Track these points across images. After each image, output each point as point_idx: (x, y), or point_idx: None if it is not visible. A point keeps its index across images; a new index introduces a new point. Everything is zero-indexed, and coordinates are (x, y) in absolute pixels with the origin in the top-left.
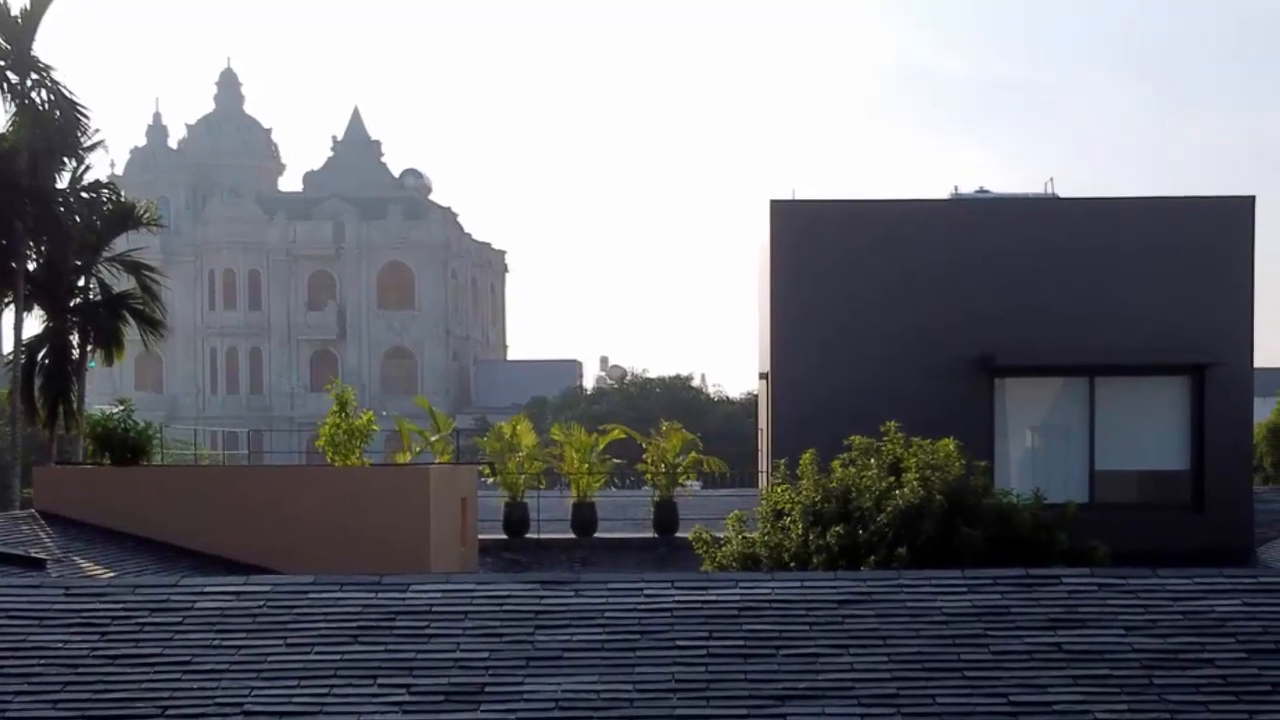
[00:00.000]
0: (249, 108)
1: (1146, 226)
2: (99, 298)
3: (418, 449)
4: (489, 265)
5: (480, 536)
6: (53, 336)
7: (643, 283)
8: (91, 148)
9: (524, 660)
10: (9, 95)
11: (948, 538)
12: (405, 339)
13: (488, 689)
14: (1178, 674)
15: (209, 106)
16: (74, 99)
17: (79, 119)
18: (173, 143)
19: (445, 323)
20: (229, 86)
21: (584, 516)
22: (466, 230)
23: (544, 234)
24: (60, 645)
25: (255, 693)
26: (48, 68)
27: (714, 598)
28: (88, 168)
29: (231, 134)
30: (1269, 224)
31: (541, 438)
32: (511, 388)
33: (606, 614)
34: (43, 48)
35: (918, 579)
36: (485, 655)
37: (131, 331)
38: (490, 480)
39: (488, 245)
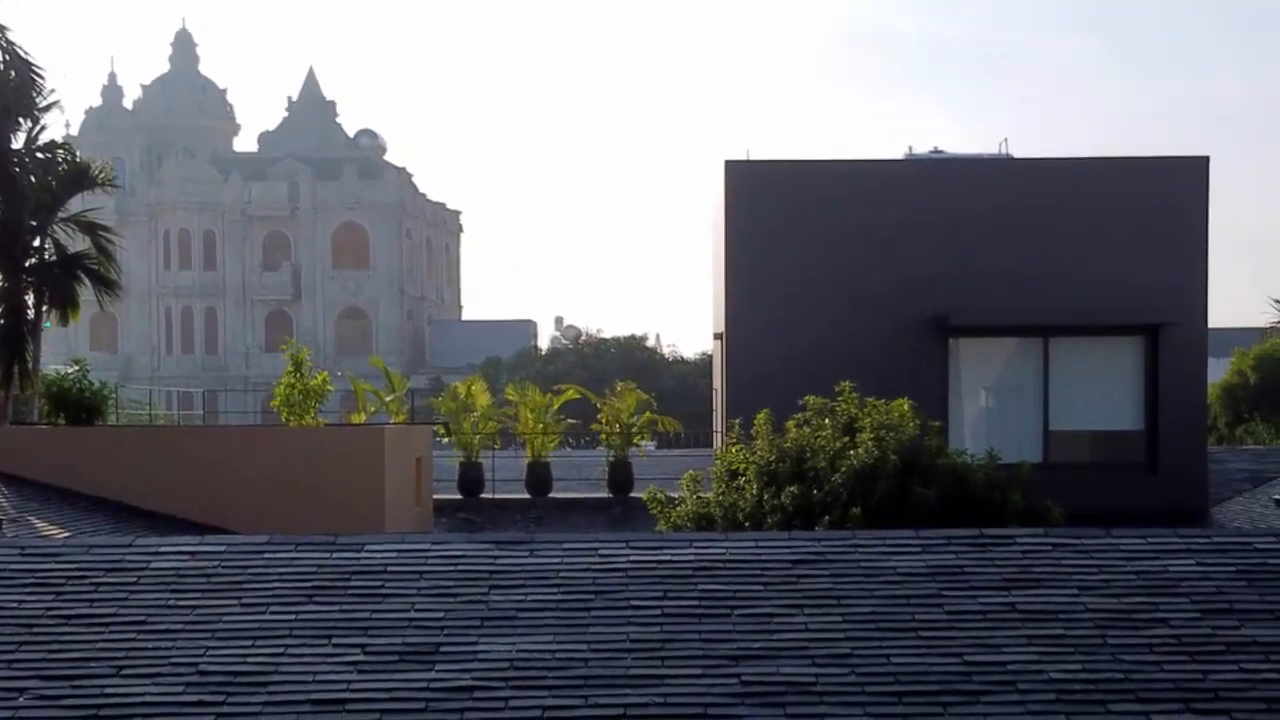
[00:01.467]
0: (204, 68)
1: (1101, 187)
2: (54, 258)
3: (373, 409)
4: (443, 225)
5: (435, 496)
6: (8, 297)
7: (597, 243)
8: (47, 108)
9: (479, 620)
10: None
11: (902, 498)
12: (360, 299)
13: (442, 649)
14: (1131, 633)
15: (164, 67)
16: (29, 59)
17: (34, 79)
18: (128, 103)
19: (400, 283)
20: (184, 47)
21: (539, 476)
22: (421, 190)
23: (499, 194)
24: (15, 605)
25: (210, 652)
26: (2, 28)
27: (669, 558)
28: (43, 128)
29: (186, 94)
30: (1223, 184)
31: (496, 398)
32: (466, 348)
33: (561, 574)
34: None
35: (872, 539)
36: (440, 615)
37: (87, 292)
38: (445, 440)
39: (442, 205)
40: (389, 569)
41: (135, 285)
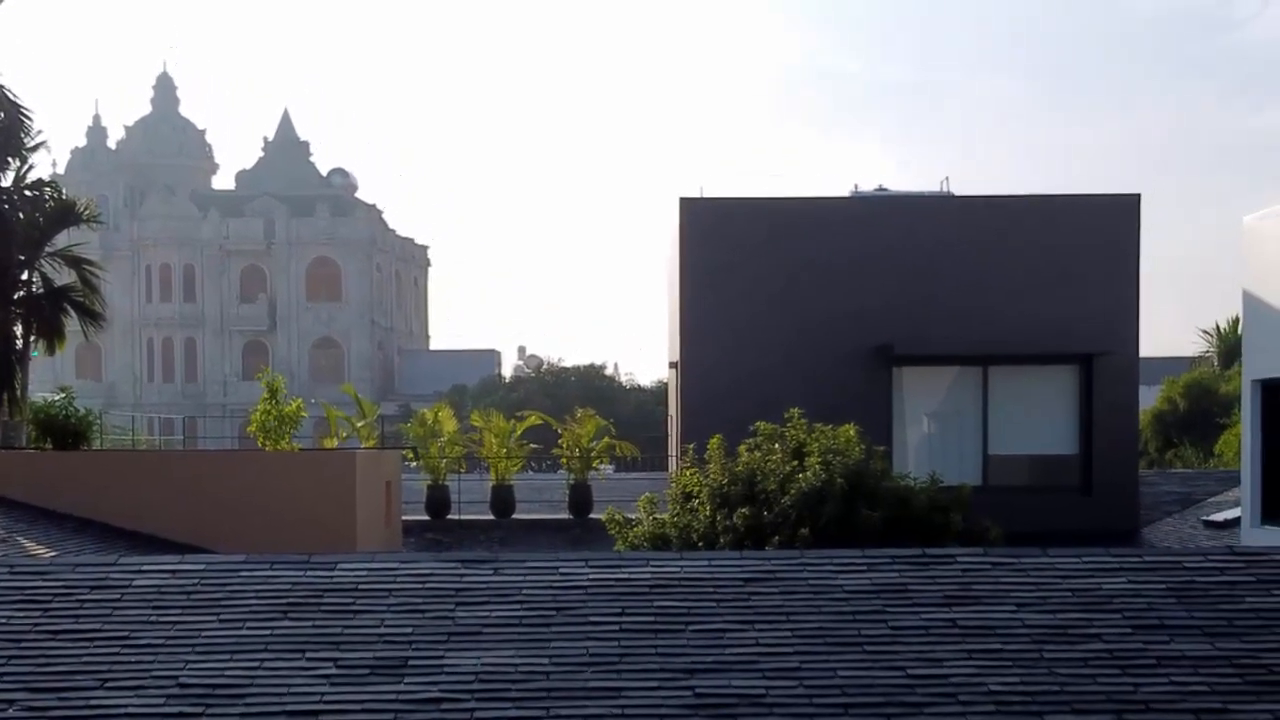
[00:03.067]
0: (184, 110)
1: (1037, 223)
2: (41, 291)
3: (344, 434)
4: (412, 260)
5: (404, 517)
6: None
7: (559, 276)
8: (34, 148)
9: (445, 635)
10: None
11: (848, 519)
12: (333, 330)
13: (411, 662)
14: (1067, 648)
15: (146, 109)
16: (17, 101)
17: (22, 120)
18: (111, 143)
19: (370, 314)
20: (165, 90)
21: (503, 498)
22: (391, 227)
23: (465, 230)
24: (4, 621)
25: (190, 666)
26: None
27: (626, 576)
28: (31, 167)
29: (167, 135)
30: (1153, 219)
31: (462, 424)
32: (433, 376)
33: (524, 591)
34: None
35: (820, 558)
36: (409, 630)
37: (72, 323)
38: (413, 464)
39: (411, 241)
40: (360, 587)
41: (119, 317)
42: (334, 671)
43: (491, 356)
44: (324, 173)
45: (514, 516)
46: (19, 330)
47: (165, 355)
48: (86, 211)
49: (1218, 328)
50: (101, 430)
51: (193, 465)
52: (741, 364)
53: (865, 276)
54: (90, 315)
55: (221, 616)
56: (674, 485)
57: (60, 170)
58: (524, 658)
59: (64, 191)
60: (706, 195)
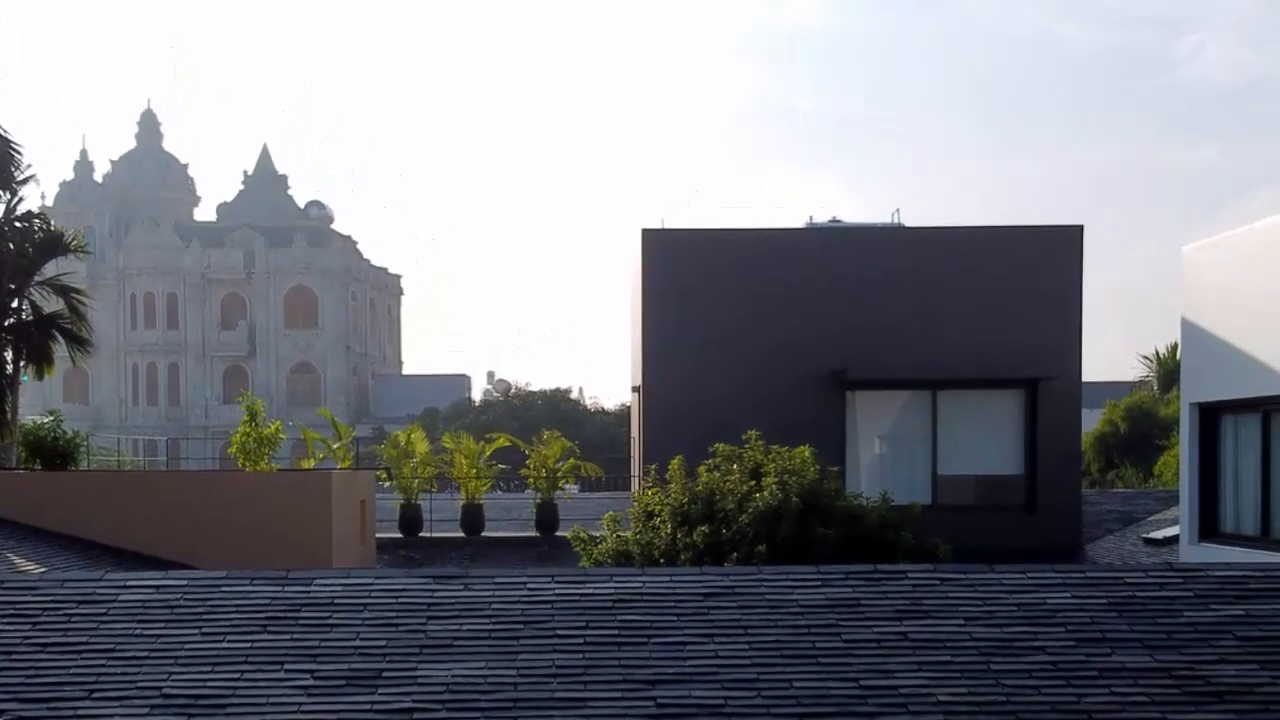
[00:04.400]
0: (167, 145)
1: (985, 253)
2: (31, 318)
3: (321, 455)
4: (386, 288)
5: (378, 535)
6: None
7: (527, 304)
8: (24, 181)
9: (418, 648)
10: None
11: (803, 536)
12: (309, 355)
13: (385, 674)
14: (1013, 660)
15: (131, 144)
16: (8, 136)
17: (13, 155)
18: (98, 177)
19: (346, 340)
20: (149, 125)
21: (472, 517)
22: (365, 256)
23: (437, 259)
24: None
25: (173, 677)
26: None
27: (591, 591)
28: (21, 199)
29: (151, 169)
30: (1096, 248)
31: (434, 445)
32: (406, 400)
33: (493, 606)
34: None
35: (776, 574)
36: (383, 643)
37: (60, 348)
38: (387, 484)
39: (384, 270)
40: (336, 601)
41: (104, 343)
42: (311, 683)
43: (462, 381)
44: (301, 205)
45: (483, 534)
46: (9, 355)
47: (149, 379)
48: (74, 242)
49: (1157, 353)
50: (88, 451)
51: (176, 485)
52: (701, 388)
53: (819, 304)
54: (77, 341)
55: (203, 630)
56: (636, 504)
57: (49, 202)
58: (493, 669)
59: (52, 223)
60: (667, 227)
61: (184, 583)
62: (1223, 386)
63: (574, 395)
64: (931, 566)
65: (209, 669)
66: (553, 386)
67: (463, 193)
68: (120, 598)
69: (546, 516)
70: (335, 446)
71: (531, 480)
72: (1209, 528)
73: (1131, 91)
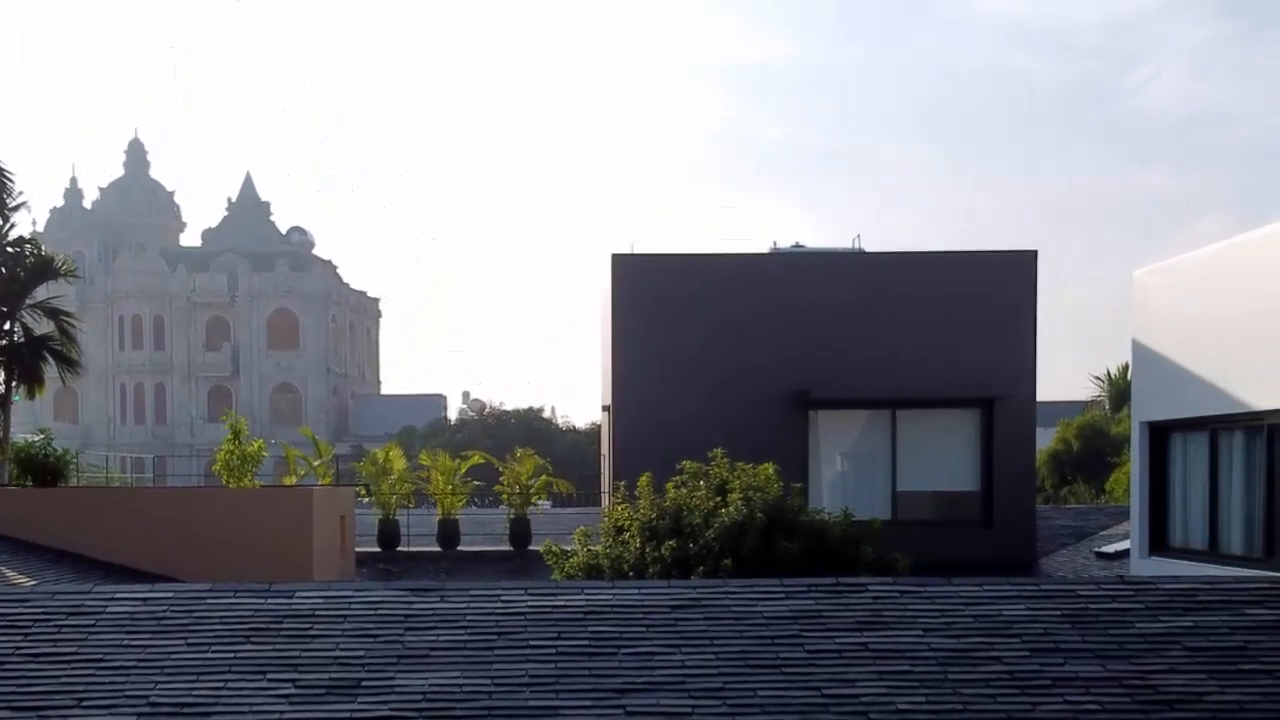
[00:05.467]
0: (154, 173)
1: (942, 277)
2: (22, 340)
3: (302, 472)
4: (365, 311)
5: (357, 549)
6: None
7: (501, 326)
8: (16, 208)
9: (396, 658)
10: None
11: (768, 550)
12: (291, 376)
13: (364, 684)
14: (970, 670)
15: (119, 172)
16: (0, 165)
17: (4, 183)
18: (87, 203)
19: (326, 362)
20: (136, 154)
21: (448, 531)
22: (345, 280)
23: (415, 283)
24: None
25: (159, 687)
26: None
27: (562, 603)
28: (13, 225)
29: (138, 196)
30: (1049, 272)
31: (411, 463)
32: (384, 419)
33: (468, 617)
34: None
35: (741, 587)
36: (362, 654)
37: (51, 369)
38: (366, 500)
39: (363, 294)
40: (317, 613)
41: (93, 364)
42: (293, 691)
43: (438, 401)
44: (283, 230)
45: (459, 548)
46: (1, 376)
47: (137, 399)
48: (64, 267)
49: (1109, 374)
50: (78, 469)
51: (162, 501)
52: (669, 407)
53: (783, 327)
54: (67, 362)
55: (189, 640)
56: (606, 519)
57: (40, 228)
58: (468, 679)
59: (43, 248)
60: (636, 252)
61: (170, 595)
62: (1172, 406)
63: (546, 414)
64: (891, 579)
65: (194, 678)
66: (526, 406)
67: (439, 217)
68: (108, 610)
69: (520, 531)
70: (316, 464)
71: (505, 496)
72: (1159, 542)
73: (1085, 121)
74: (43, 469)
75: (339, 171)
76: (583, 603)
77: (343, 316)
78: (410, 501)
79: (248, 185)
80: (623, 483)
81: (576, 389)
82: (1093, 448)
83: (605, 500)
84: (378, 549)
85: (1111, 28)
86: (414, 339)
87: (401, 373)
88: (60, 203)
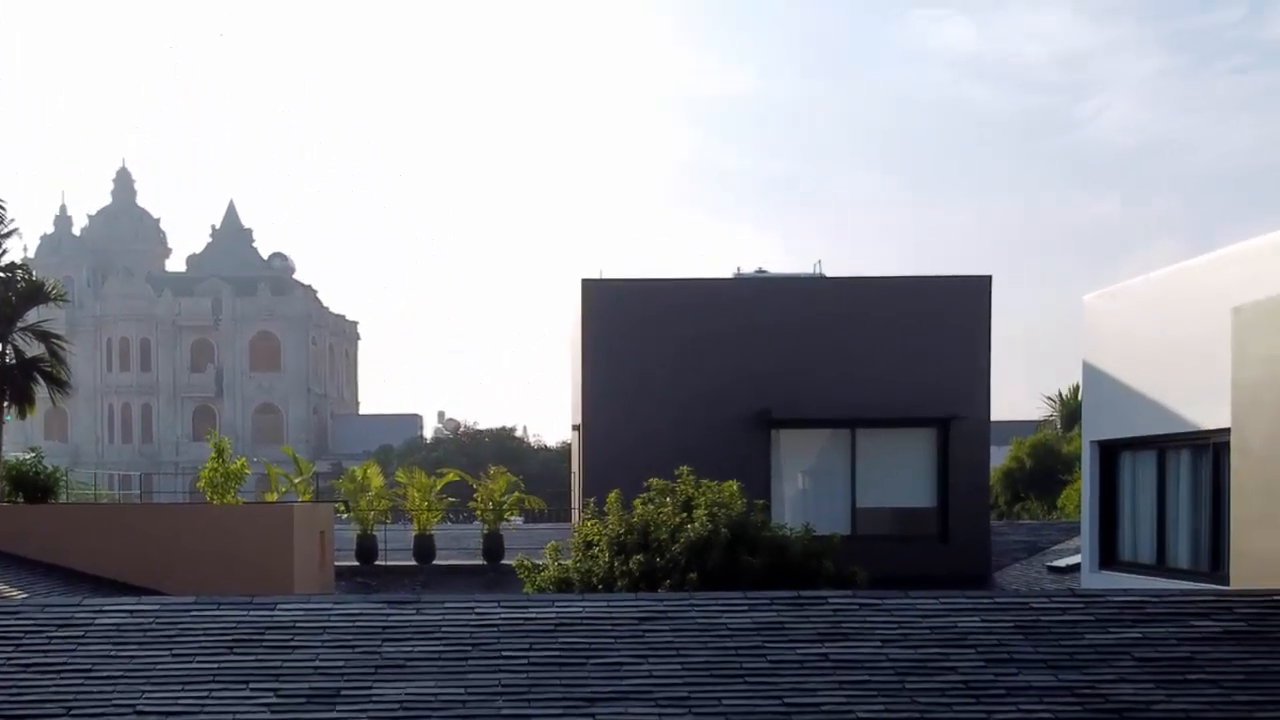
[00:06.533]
0: (141, 200)
1: (900, 301)
2: (14, 361)
3: (283, 489)
4: (344, 334)
5: (336, 563)
6: None
7: (475, 348)
8: (7, 235)
9: (373, 668)
10: None
11: (732, 564)
12: (273, 396)
13: (343, 693)
14: (926, 679)
15: (107, 200)
16: None
17: None
18: (76, 230)
19: (307, 382)
20: (124, 183)
21: (424, 546)
22: (325, 304)
23: (391, 305)
24: None
25: (146, 696)
26: None
27: (534, 615)
28: (4, 252)
29: (126, 223)
30: (1003, 296)
31: (388, 480)
32: (363, 438)
33: (443, 629)
34: None
35: (706, 599)
36: (341, 664)
37: (41, 390)
38: (345, 516)
39: (342, 317)
40: (297, 624)
41: (82, 385)
42: (274, 700)
43: (414, 420)
44: (265, 256)
45: (434, 562)
46: None
47: (124, 419)
48: (54, 291)
49: (1060, 394)
50: (67, 486)
51: (149, 517)
52: (637, 427)
53: (746, 349)
54: (57, 383)
55: (174, 651)
56: (577, 534)
57: (30, 254)
58: (443, 688)
59: (34, 273)
60: (606, 277)
61: (156, 607)
62: (1121, 425)
63: (518, 433)
64: (851, 592)
65: (179, 688)
66: (499, 425)
67: (421, 248)
68: (97, 621)
69: (493, 546)
70: (297, 481)
71: (479, 512)
72: (1108, 556)
73: (1038, 150)
74: (34, 486)
75: (320, 194)
76: (554, 615)
77: (322, 339)
78: (387, 517)
79: (231, 213)
80: (592, 499)
81: (548, 409)
82: (1045, 466)
83: (575, 516)
84: (356, 563)
85: (1063, 61)
86: (392, 359)
87: (380, 393)
88: (50, 230)
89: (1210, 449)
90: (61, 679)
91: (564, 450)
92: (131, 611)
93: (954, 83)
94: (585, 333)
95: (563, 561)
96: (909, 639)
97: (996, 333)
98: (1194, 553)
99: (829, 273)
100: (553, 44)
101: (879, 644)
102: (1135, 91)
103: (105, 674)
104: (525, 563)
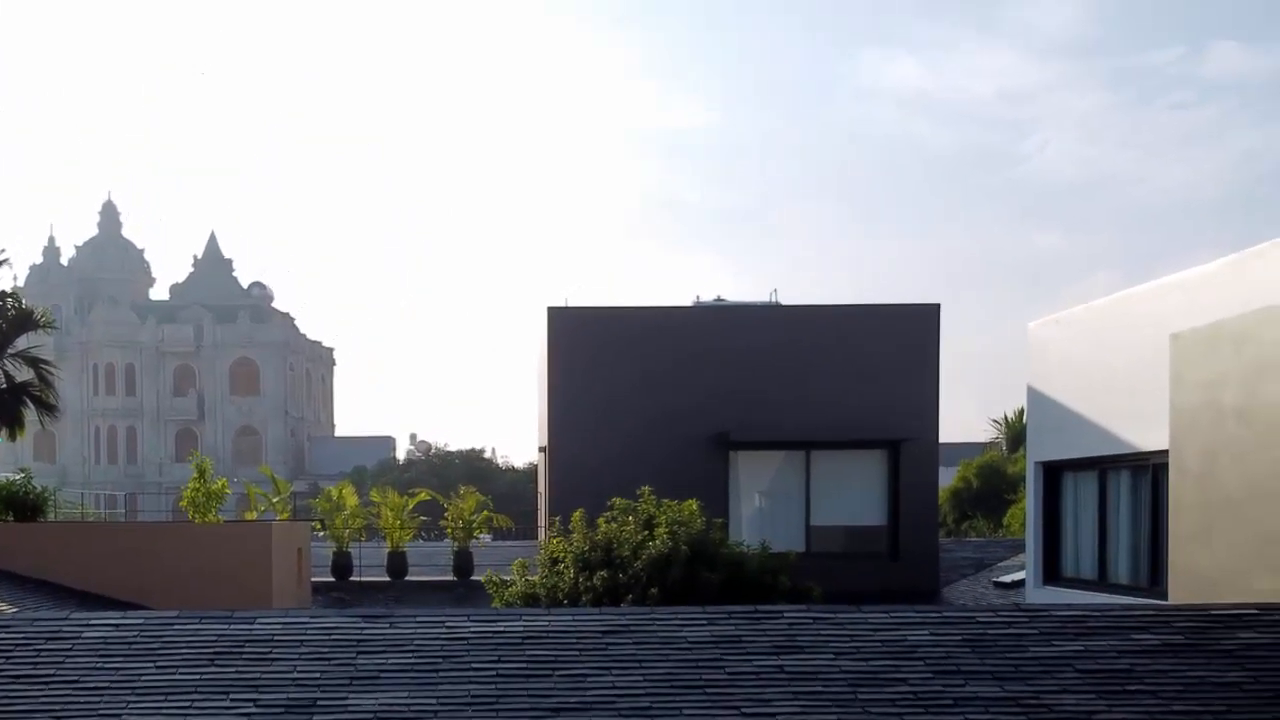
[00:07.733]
0: (126, 232)
1: (852, 328)
2: (3, 386)
3: (262, 508)
4: (320, 359)
5: (313, 579)
6: None
7: (445, 372)
8: None
9: (349, 680)
10: None
11: (691, 580)
12: (252, 419)
13: (319, 703)
14: (878, 690)
15: (94, 231)
16: None
17: None
18: (64, 260)
19: (285, 406)
20: (109, 214)
21: (397, 563)
22: (302, 331)
23: (365, 331)
24: None
25: (131, 706)
26: None
27: (502, 629)
28: None
29: (112, 254)
30: (952, 324)
31: (362, 499)
32: (338, 459)
33: (415, 642)
34: None
35: (667, 614)
36: (317, 675)
37: (30, 413)
38: (321, 533)
39: (319, 343)
40: (276, 638)
41: (70, 408)
42: (254, 711)
43: (388, 442)
44: (245, 285)
45: (407, 578)
46: None
47: (110, 441)
48: (43, 318)
49: (1006, 417)
50: (55, 505)
51: (134, 535)
52: (601, 448)
53: (705, 374)
54: (46, 407)
55: (158, 663)
56: (543, 552)
57: (20, 283)
58: (415, 699)
59: (23, 301)
60: (570, 305)
61: (141, 621)
62: (1064, 447)
63: (487, 455)
64: (805, 607)
65: (163, 698)
66: (469, 447)
67: (393, 278)
68: (84, 635)
69: (463, 563)
70: (275, 500)
71: (449, 530)
72: (1052, 572)
73: (983, 184)
74: (23, 505)
75: (296, 224)
76: (521, 628)
77: (300, 364)
78: (362, 535)
79: (212, 243)
80: (558, 518)
81: (515, 431)
82: (991, 485)
83: (542, 534)
84: (332, 579)
85: (1008, 98)
86: (367, 384)
87: (354, 416)
88: (39, 260)
89: (1150, 470)
90: (50, 690)
91: (531, 471)
92: (117, 625)
93: (904, 119)
94: (551, 358)
95: (530, 578)
96: (861, 652)
97: (945, 358)
98: (1134, 569)
99: (784, 301)
100: (519, 78)
101: (832, 656)
102: (1078, 127)
103: (92, 685)
104: (494, 579)
